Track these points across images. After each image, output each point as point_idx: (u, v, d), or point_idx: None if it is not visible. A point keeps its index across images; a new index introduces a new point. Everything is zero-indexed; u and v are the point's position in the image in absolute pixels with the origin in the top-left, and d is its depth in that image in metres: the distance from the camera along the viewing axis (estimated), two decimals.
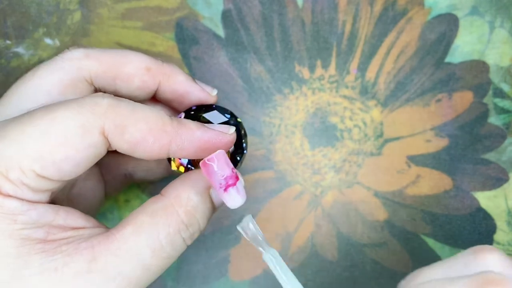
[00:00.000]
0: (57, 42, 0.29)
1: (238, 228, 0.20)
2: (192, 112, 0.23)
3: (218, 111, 0.23)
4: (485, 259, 0.20)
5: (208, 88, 0.24)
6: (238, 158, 0.23)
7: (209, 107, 0.24)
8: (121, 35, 0.30)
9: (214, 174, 0.20)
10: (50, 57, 0.29)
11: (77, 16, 0.29)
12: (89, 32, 0.29)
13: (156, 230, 0.19)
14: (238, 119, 0.24)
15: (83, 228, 0.20)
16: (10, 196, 0.18)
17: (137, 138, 0.19)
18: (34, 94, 0.21)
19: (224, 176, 0.20)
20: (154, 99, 0.25)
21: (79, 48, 0.22)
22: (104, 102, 0.19)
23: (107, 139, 0.19)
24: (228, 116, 0.23)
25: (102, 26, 0.29)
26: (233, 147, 0.23)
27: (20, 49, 0.29)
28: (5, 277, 0.18)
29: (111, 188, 0.26)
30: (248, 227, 0.20)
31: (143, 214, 0.20)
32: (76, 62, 0.22)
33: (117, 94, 0.23)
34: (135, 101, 0.23)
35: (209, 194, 0.21)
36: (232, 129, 0.21)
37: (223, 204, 0.21)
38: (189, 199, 0.20)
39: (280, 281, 0.19)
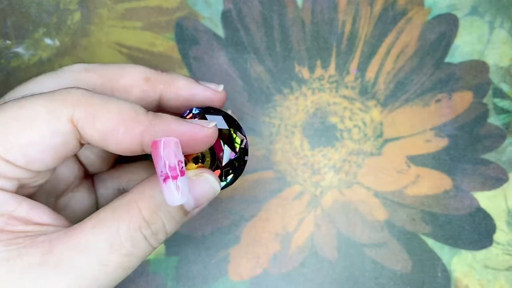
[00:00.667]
0: (57, 42, 0.29)
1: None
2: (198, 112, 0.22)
3: (223, 118, 0.22)
4: None
5: (212, 85, 0.23)
6: (233, 174, 0.22)
7: (217, 112, 0.22)
8: (121, 35, 0.30)
9: (158, 158, 0.18)
10: (50, 57, 0.29)
11: (77, 16, 0.29)
12: (89, 32, 0.29)
13: (116, 225, 0.19)
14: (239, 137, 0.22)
15: (48, 225, 0.19)
16: None
17: (107, 127, 0.18)
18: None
19: (167, 165, 0.18)
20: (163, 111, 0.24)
21: (80, 63, 0.22)
22: (77, 92, 0.18)
23: (77, 129, 0.18)
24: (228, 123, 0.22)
25: (102, 26, 0.29)
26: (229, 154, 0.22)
27: (20, 49, 0.29)
28: None
29: (104, 202, 0.25)
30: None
31: (105, 210, 0.19)
32: (75, 74, 0.22)
33: None
34: None
35: None
36: (213, 123, 0.20)
37: (197, 209, 0.21)
38: (153, 197, 0.19)
39: None
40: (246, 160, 0.22)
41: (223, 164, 0.22)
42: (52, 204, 0.23)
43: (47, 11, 0.29)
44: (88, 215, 0.23)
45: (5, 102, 0.19)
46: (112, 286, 0.19)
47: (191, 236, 0.29)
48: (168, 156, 0.18)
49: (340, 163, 0.29)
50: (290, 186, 0.29)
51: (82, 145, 0.19)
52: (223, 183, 0.22)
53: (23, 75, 0.29)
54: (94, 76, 0.22)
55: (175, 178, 0.18)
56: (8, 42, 0.29)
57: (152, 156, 0.18)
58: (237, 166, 0.22)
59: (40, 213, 0.19)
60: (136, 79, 0.22)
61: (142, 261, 0.19)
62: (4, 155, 0.18)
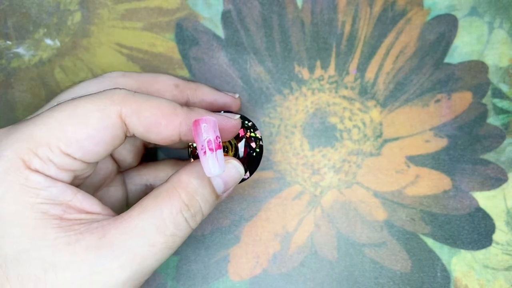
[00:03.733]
0: (58, 43, 0.29)
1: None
2: None
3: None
4: None
5: (230, 93, 0.27)
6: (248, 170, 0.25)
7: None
8: (121, 36, 0.30)
9: (200, 135, 0.21)
10: (50, 57, 0.29)
11: (78, 16, 0.30)
12: (89, 33, 0.30)
13: (159, 210, 0.21)
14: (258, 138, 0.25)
15: (98, 213, 0.21)
16: (37, 171, 0.20)
17: (151, 121, 0.21)
18: (75, 95, 0.24)
19: (207, 140, 0.21)
20: None
21: (117, 71, 0.26)
22: (121, 92, 0.21)
23: (125, 123, 0.21)
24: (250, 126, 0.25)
25: (103, 27, 0.30)
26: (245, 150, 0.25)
27: (20, 50, 0.29)
28: (25, 246, 0.19)
29: (133, 198, 0.28)
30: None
31: (149, 198, 0.21)
32: (114, 79, 0.25)
33: None
34: None
35: (209, 180, 0.22)
36: (237, 115, 0.24)
37: (225, 193, 0.23)
38: (190, 182, 0.22)
39: None
40: (262, 153, 0.25)
41: (242, 157, 0.25)
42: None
43: (48, 12, 0.29)
44: (121, 208, 0.27)
45: (59, 104, 0.21)
46: (158, 265, 0.21)
47: (191, 235, 0.29)
48: (208, 132, 0.21)
49: (340, 163, 0.30)
50: (290, 186, 0.29)
51: (126, 137, 0.22)
52: (246, 175, 0.25)
53: (24, 76, 0.29)
54: (131, 81, 0.25)
55: (213, 150, 0.21)
56: (8, 42, 0.29)
57: (193, 134, 0.21)
58: (255, 159, 0.25)
59: (91, 203, 0.21)
60: (167, 85, 0.26)
61: (183, 241, 0.22)
62: (65, 150, 0.20)
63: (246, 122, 0.25)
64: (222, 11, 0.30)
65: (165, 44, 0.30)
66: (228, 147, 0.25)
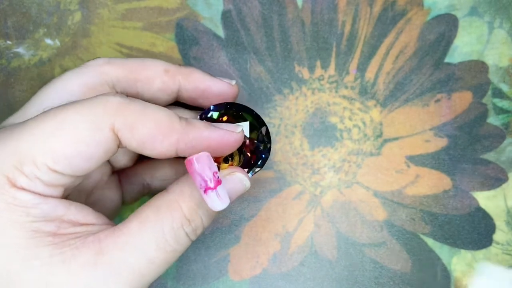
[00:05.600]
0: (58, 43, 0.29)
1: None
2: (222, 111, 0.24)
3: (245, 111, 0.24)
4: None
5: (226, 80, 0.25)
6: (261, 159, 0.24)
7: (233, 106, 0.24)
8: (121, 36, 0.30)
9: (195, 174, 0.20)
10: (50, 57, 0.29)
11: (78, 16, 0.30)
12: (89, 33, 0.30)
13: (160, 225, 0.20)
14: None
15: (93, 224, 0.20)
16: (23, 189, 0.19)
17: (146, 136, 0.19)
18: (58, 96, 0.22)
19: (205, 178, 0.20)
20: (180, 104, 0.25)
21: (102, 57, 0.24)
22: (115, 100, 0.19)
23: (117, 136, 0.19)
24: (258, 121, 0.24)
25: (103, 27, 0.30)
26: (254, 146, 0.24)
27: (20, 50, 0.29)
28: (16, 267, 0.18)
29: (128, 197, 0.27)
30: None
31: (148, 209, 0.20)
32: (99, 67, 0.23)
33: (139, 98, 0.24)
34: (158, 103, 0.24)
35: None
36: (240, 128, 0.22)
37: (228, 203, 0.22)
38: (192, 195, 0.21)
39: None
40: (270, 146, 0.24)
41: (250, 155, 0.24)
42: (83, 202, 0.24)
43: (48, 12, 0.29)
44: (116, 210, 0.26)
45: (46, 112, 0.19)
46: (155, 278, 0.20)
47: None
48: (203, 170, 0.20)
49: (340, 163, 0.30)
50: (290, 186, 0.29)
51: (119, 148, 0.20)
52: (257, 169, 0.24)
53: (24, 75, 0.29)
54: (117, 69, 0.23)
55: (214, 188, 0.20)
56: (8, 42, 0.29)
57: (189, 172, 0.20)
58: (263, 152, 0.24)
59: (85, 214, 0.20)
60: (157, 71, 0.24)
61: (181, 254, 0.21)
62: (52, 166, 0.19)
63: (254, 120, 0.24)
64: (222, 11, 0.30)
65: (165, 44, 0.30)
66: (234, 153, 0.24)
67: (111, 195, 0.26)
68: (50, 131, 0.19)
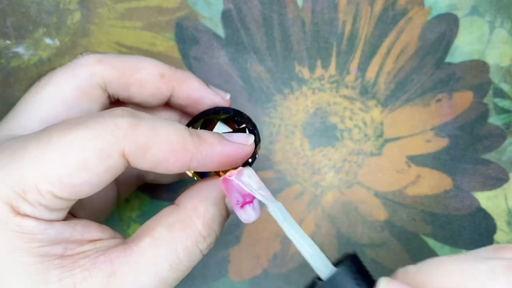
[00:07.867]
0: (57, 42, 0.29)
1: (238, 181, 0.20)
2: (210, 115, 0.24)
3: (237, 116, 0.24)
4: (506, 255, 0.18)
5: (221, 93, 0.24)
6: (250, 160, 0.23)
7: (226, 112, 0.24)
8: (121, 35, 0.30)
9: (234, 191, 0.20)
10: (50, 57, 0.29)
11: (77, 16, 0.29)
12: (89, 32, 0.29)
13: (174, 244, 0.19)
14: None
15: (100, 240, 0.20)
16: (28, 216, 0.18)
17: (158, 158, 0.19)
18: (51, 103, 0.22)
19: (243, 193, 0.20)
20: (167, 105, 0.25)
21: (92, 53, 0.22)
22: (124, 122, 0.19)
23: (127, 160, 0.19)
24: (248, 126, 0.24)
25: (102, 26, 0.29)
26: None
27: (20, 49, 0.29)
28: None
29: (123, 189, 0.26)
30: (250, 181, 0.21)
31: (160, 226, 0.20)
32: (89, 68, 0.22)
33: (130, 101, 0.24)
34: (148, 107, 0.23)
35: (224, 203, 0.21)
36: (252, 138, 0.22)
37: None
38: (207, 210, 0.20)
39: (288, 234, 0.19)
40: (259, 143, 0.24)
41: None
42: (79, 202, 0.23)
43: (47, 11, 0.29)
44: (112, 204, 0.25)
45: (49, 132, 0.19)
46: None
47: None
48: (240, 187, 0.20)
49: (341, 163, 0.29)
50: (291, 186, 0.29)
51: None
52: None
53: (23, 75, 0.29)
54: (109, 70, 0.22)
55: (251, 202, 0.20)
56: (8, 42, 0.29)
57: (225, 190, 0.20)
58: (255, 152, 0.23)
59: (91, 231, 0.20)
60: (151, 75, 0.23)
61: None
62: (59, 194, 0.18)
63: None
64: (222, 10, 0.30)
65: (165, 44, 0.30)
66: None
67: (107, 190, 0.25)
68: (56, 157, 0.18)
